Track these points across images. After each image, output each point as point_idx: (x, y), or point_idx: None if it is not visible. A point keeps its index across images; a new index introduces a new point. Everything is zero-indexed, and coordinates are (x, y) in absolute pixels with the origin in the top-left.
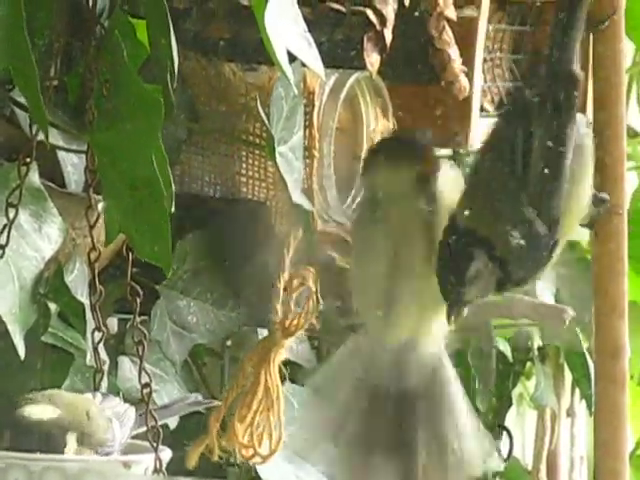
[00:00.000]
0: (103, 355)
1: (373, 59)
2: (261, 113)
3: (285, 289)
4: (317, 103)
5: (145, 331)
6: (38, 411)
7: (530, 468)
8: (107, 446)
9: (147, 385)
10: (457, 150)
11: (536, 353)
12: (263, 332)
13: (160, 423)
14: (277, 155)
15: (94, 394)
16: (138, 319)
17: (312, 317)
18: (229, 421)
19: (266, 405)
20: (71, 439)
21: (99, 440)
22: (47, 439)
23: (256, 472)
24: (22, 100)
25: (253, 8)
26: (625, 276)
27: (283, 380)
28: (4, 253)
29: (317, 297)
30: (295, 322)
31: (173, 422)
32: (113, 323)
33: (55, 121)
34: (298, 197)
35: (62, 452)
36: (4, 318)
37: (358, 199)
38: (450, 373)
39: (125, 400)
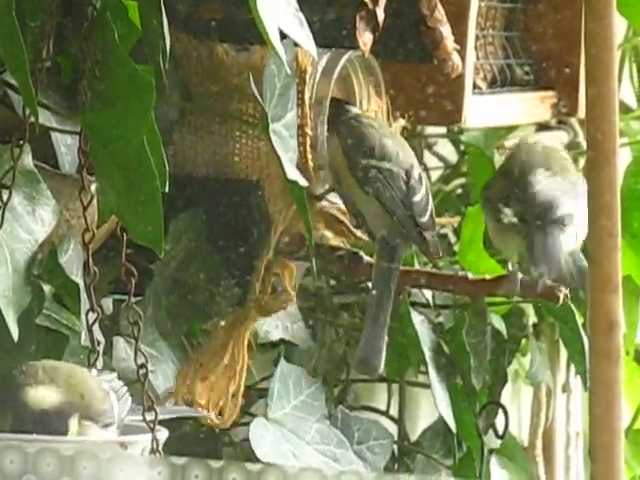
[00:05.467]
0: (98, 336)
1: (365, 38)
2: (254, 92)
3: (266, 269)
4: (310, 82)
5: (140, 312)
6: (39, 396)
7: (526, 444)
8: (106, 417)
9: (143, 366)
10: (451, 128)
11: (531, 330)
12: None
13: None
14: (271, 132)
15: (90, 370)
16: (133, 299)
17: (285, 307)
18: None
19: (228, 373)
20: (73, 423)
21: (97, 411)
22: (48, 426)
23: (253, 451)
24: (15, 82)
25: None
26: (619, 252)
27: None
28: None
29: (290, 292)
30: (270, 305)
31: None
32: (108, 303)
33: (48, 102)
34: (293, 174)
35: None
36: None
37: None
38: None
39: (120, 379)
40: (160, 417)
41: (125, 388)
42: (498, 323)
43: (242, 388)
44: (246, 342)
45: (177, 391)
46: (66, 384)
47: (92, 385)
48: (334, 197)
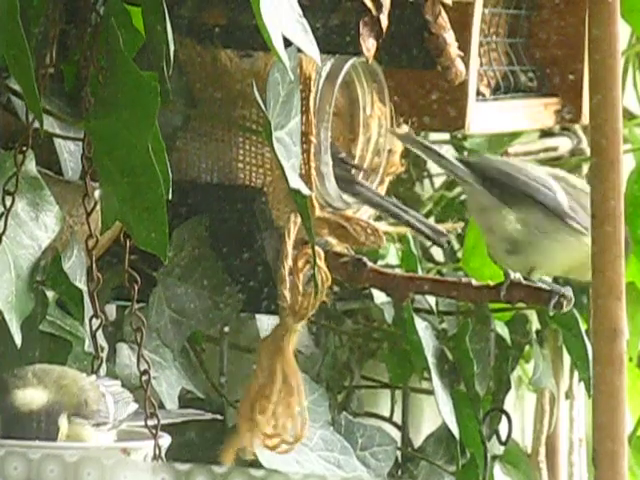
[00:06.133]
0: (101, 342)
1: (369, 44)
2: (257, 99)
3: (290, 273)
4: (313, 88)
5: (143, 318)
6: (27, 398)
7: (529, 451)
8: (99, 416)
9: (146, 372)
10: (454, 134)
11: (534, 336)
12: (261, 318)
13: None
14: (274, 140)
15: (90, 376)
16: (136, 306)
17: (323, 295)
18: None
19: (286, 392)
20: (62, 422)
21: (90, 410)
22: (38, 428)
23: (256, 458)
24: (18, 88)
25: None
26: (622, 258)
27: None
28: (0, 242)
29: (325, 273)
30: (305, 304)
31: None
32: (111, 310)
33: (51, 109)
34: (295, 182)
35: (56, 437)
36: (1, 307)
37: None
38: None
39: (124, 386)
40: (168, 421)
41: (127, 393)
42: (501, 329)
43: (305, 402)
44: (292, 355)
45: (244, 437)
46: (56, 385)
47: (85, 385)
48: (338, 203)
